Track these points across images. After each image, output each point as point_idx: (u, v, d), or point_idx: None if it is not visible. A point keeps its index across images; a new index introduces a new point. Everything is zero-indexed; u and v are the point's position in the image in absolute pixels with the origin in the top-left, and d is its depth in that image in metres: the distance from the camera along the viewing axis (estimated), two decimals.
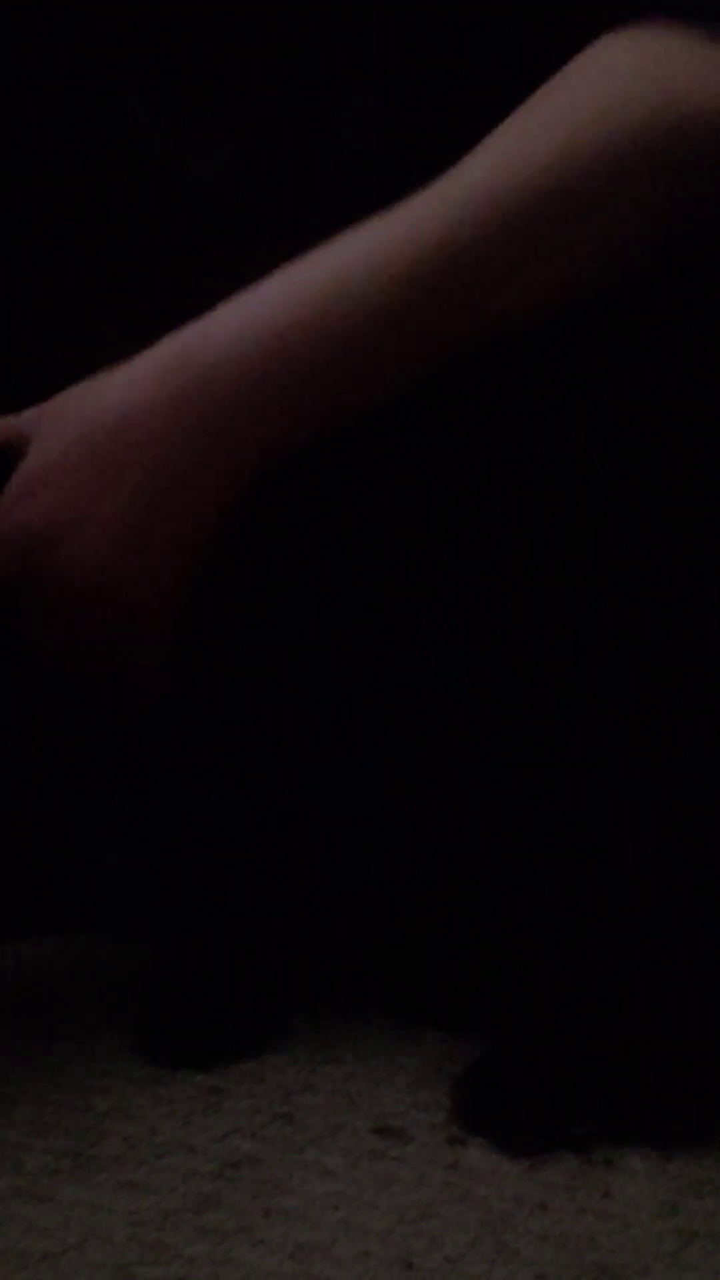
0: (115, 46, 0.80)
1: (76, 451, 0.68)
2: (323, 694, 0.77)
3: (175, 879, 0.80)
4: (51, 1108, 0.73)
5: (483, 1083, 0.75)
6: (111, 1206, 0.65)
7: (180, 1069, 0.76)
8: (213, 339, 0.67)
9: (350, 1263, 0.62)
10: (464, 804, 0.75)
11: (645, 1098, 0.74)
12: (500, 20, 0.74)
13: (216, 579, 0.70)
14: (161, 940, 0.81)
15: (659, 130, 0.65)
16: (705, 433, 0.74)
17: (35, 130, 0.82)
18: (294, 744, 0.78)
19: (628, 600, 0.74)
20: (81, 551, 0.67)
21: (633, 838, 0.73)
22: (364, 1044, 0.78)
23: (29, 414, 0.70)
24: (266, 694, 0.78)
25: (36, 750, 0.80)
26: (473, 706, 0.75)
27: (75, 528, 0.67)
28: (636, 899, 0.73)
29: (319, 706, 0.77)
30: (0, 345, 0.80)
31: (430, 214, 0.67)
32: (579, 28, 0.68)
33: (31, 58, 0.81)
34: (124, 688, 0.70)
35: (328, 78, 0.77)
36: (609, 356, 0.74)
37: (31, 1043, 0.78)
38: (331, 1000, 0.80)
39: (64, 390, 0.71)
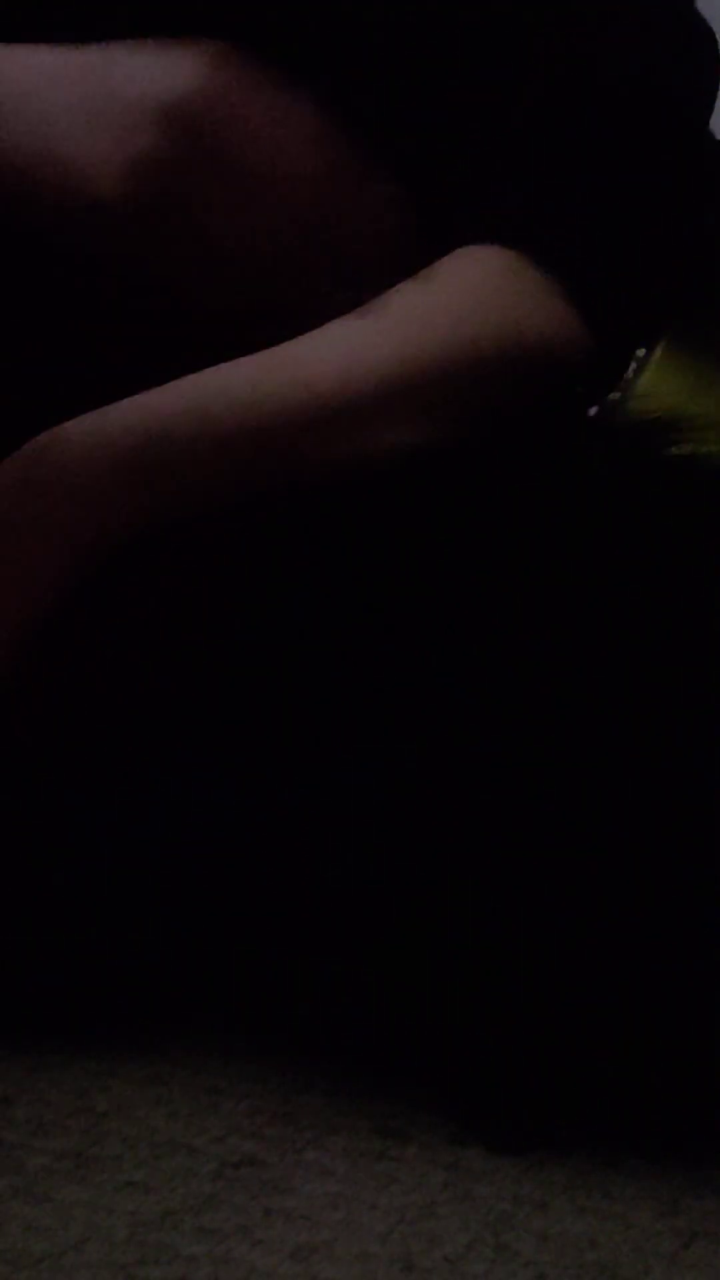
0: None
1: None
2: (322, 695, 0.77)
3: (175, 878, 0.80)
4: (51, 1108, 0.73)
5: (483, 1083, 0.75)
6: (111, 1206, 0.65)
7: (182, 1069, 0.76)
8: (67, 437, 0.75)
9: (350, 1263, 0.62)
10: (463, 804, 0.75)
11: (645, 1098, 0.74)
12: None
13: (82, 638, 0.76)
14: (161, 938, 0.81)
15: (492, 353, 0.79)
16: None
17: None
18: (293, 744, 0.78)
19: (626, 601, 0.74)
20: None
21: (633, 836, 0.73)
22: (364, 1044, 0.78)
23: None
24: (266, 695, 0.78)
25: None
26: (473, 707, 0.75)
27: None
28: (636, 897, 0.73)
29: (318, 707, 0.77)
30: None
31: (301, 373, 0.77)
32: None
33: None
34: None
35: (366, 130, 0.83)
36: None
37: (31, 1043, 0.78)
38: (331, 1000, 0.80)
39: None
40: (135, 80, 0.78)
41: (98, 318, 0.78)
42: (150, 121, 0.77)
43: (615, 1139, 0.73)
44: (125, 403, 0.76)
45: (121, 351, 0.78)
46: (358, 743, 0.77)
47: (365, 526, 0.76)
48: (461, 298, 0.79)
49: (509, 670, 0.74)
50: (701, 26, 0.86)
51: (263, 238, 0.79)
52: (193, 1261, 0.62)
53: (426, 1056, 0.77)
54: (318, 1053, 0.78)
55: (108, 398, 0.76)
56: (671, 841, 0.73)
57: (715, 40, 0.87)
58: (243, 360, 0.77)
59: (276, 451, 0.77)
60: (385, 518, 0.76)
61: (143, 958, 0.80)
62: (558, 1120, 0.73)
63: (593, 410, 0.85)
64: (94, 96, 0.77)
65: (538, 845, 0.73)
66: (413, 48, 0.83)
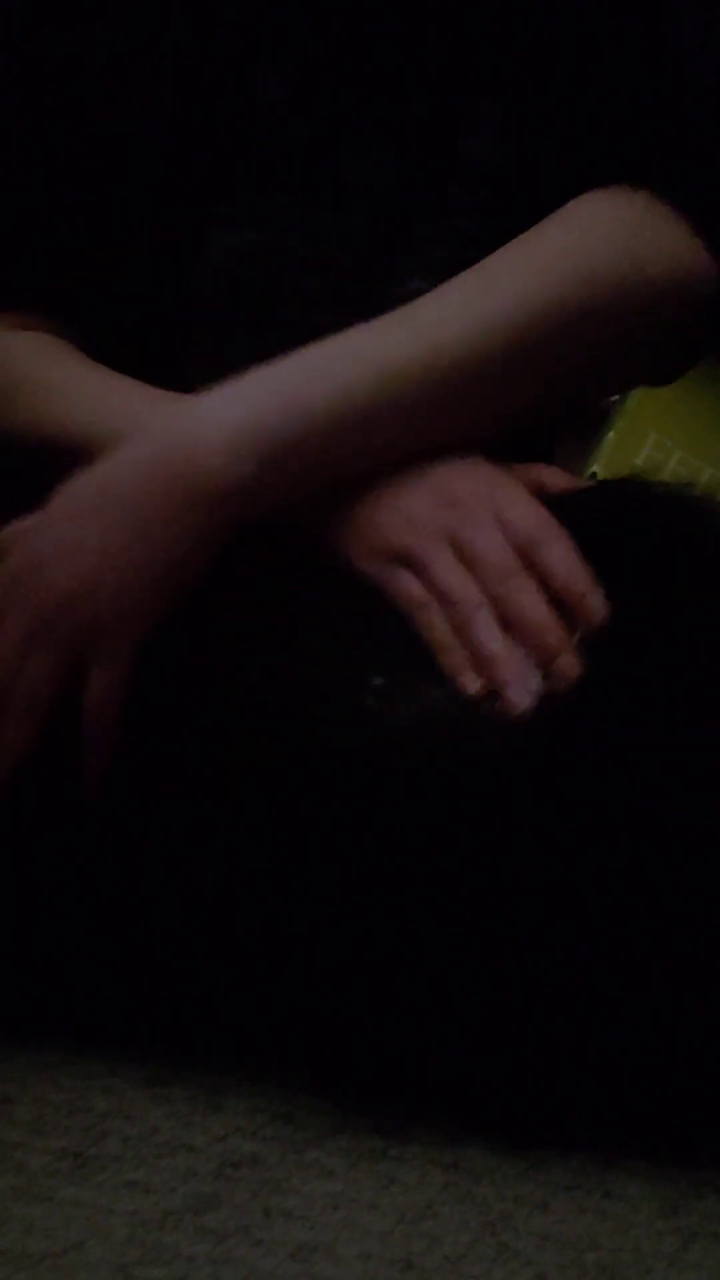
0: (255, 32, 0.87)
1: (82, 506, 0.77)
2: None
3: (175, 878, 0.80)
4: (51, 1108, 0.73)
5: (483, 1083, 0.74)
6: (111, 1206, 0.65)
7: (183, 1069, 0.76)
8: (204, 424, 0.77)
9: (350, 1262, 0.62)
10: (465, 813, 0.75)
11: (645, 1098, 0.73)
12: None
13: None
14: (161, 938, 0.81)
15: (622, 290, 0.80)
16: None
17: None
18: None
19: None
20: (66, 567, 0.76)
21: (634, 844, 0.73)
22: (364, 1044, 0.78)
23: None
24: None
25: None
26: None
27: (67, 554, 0.76)
28: (637, 901, 0.73)
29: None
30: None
31: (429, 334, 0.78)
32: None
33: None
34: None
35: (458, 92, 0.86)
36: None
37: (31, 1043, 0.77)
38: (331, 1000, 0.80)
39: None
40: None
41: None
42: None
43: (615, 1139, 0.73)
44: (256, 377, 0.77)
45: None
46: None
47: None
48: (575, 238, 0.81)
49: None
50: None
51: None
52: (193, 1261, 0.62)
53: (426, 1057, 0.77)
54: (318, 1053, 0.78)
55: None
56: (672, 850, 0.73)
57: None
58: (367, 326, 0.78)
59: (409, 423, 0.78)
60: None
61: (143, 957, 0.80)
62: (558, 1120, 0.73)
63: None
64: None
65: (537, 860, 0.73)
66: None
